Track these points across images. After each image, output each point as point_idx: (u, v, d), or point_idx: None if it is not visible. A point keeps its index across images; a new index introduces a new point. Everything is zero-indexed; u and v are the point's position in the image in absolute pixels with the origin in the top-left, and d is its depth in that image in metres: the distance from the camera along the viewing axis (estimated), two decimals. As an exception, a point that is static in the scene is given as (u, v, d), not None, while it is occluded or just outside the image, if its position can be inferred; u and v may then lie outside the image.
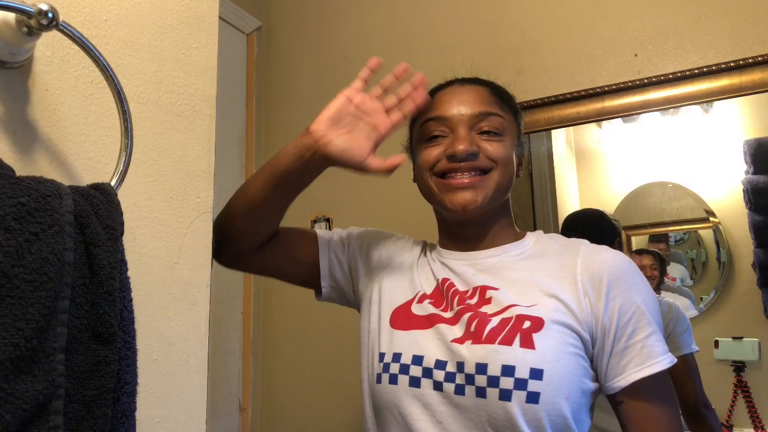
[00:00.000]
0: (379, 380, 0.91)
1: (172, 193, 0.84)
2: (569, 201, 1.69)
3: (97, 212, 0.63)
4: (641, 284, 0.88)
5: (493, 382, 0.81)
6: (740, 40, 1.47)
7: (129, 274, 0.68)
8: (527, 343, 0.82)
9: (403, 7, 1.93)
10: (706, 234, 1.53)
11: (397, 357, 0.90)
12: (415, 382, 0.87)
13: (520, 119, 1.03)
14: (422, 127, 0.99)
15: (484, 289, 0.92)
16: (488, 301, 0.90)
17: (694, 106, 1.52)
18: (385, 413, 0.90)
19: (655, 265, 1.54)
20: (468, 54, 1.78)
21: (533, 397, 0.79)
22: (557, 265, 0.91)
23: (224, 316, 1.88)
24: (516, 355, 0.82)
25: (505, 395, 0.80)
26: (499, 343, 0.83)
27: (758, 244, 1.45)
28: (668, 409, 0.85)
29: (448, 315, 0.91)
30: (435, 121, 0.97)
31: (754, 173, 1.46)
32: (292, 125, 2.07)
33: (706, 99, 1.49)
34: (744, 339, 1.38)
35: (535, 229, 1.07)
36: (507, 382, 0.80)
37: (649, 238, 1.60)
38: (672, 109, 1.55)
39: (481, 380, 0.82)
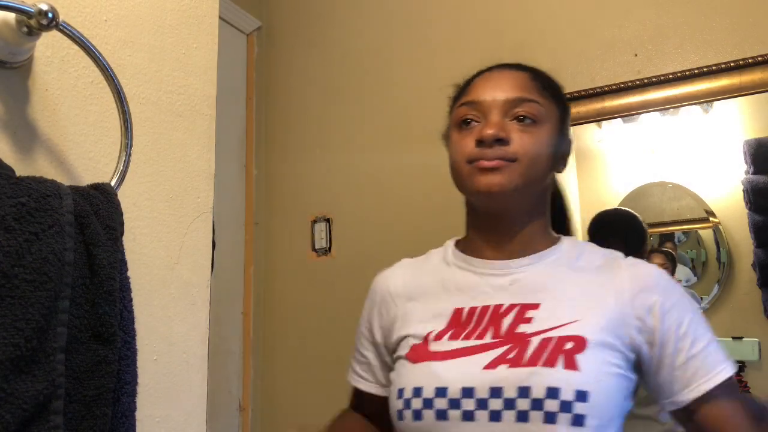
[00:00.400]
0: (401, 417, 0.86)
1: (172, 193, 0.84)
2: (569, 201, 1.69)
3: (97, 212, 0.63)
4: (686, 296, 0.89)
5: (537, 405, 0.78)
6: (740, 40, 1.47)
7: (129, 274, 0.68)
8: (571, 364, 0.80)
9: (403, 7, 1.93)
10: (706, 234, 1.53)
11: (417, 391, 0.85)
12: (441, 415, 0.82)
13: (565, 109, 0.98)
14: (455, 112, 0.96)
15: (523, 308, 0.87)
16: (527, 320, 0.86)
17: (694, 106, 1.51)
18: None
19: (667, 265, 1.54)
20: (468, 54, 1.77)
21: (579, 420, 0.77)
22: (600, 280, 0.88)
23: (224, 316, 1.88)
24: (560, 377, 0.79)
25: (550, 418, 0.77)
26: (542, 365, 0.80)
27: (758, 244, 1.44)
28: (744, 402, 0.85)
29: (473, 342, 0.86)
30: (467, 105, 0.93)
31: (754, 173, 1.46)
32: (292, 125, 2.07)
33: (706, 99, 1.49)
34: (744, 339, 1.38)
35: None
36: (552, 405, 0.78)
37: (659, 238, 1.60)
38: (672, 109, 1.55)
39: (523, 404, 0.79)
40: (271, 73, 2.13)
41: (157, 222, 0.81)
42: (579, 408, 0.78)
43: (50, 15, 0.61)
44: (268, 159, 2.08)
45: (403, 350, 0.92)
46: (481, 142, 0.88)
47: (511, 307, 0.88)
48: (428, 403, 0.83)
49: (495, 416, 0.80)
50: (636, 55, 1.58)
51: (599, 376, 0.81)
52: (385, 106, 1.91)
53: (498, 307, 0.88)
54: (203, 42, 0.91)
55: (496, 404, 0.80)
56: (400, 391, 0.87)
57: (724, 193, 1.51)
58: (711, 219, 1.52)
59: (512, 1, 1.77)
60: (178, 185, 0.85)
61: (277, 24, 2.15)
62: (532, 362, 0.81)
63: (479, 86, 0.95)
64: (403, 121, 1.88)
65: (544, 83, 0.96)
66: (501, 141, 0.87)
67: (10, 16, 0.62)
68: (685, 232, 1.57)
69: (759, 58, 1.43)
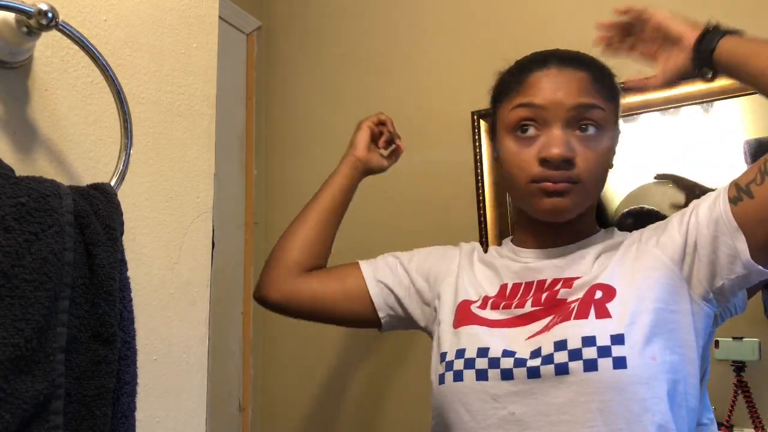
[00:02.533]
0: (442, 380, 0.86)
1: (172, 193, 0.84)
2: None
3: (97, 212, 0.63)
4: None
5: (576, 355, 0.77)
6: (740, 40, 1.47)
7: (129, 274, 0.68)
8: (602, 313, 0.80)
9: (404, 7, 1.93)
10: (706, 234, 1.53)
11: (460, 353, 0.85)
12: (482, 375, 0.82)
13: (619, 105, 0.96)
14: (511, 113, 0.91)
15: (566, 281, 0.88)
16: (569, 284, 0.87)
17: (694, 106, 1.51)
18: (450, 416, 0.84)
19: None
20: (468, 54, 1.78)
21: (620, 362, 0.76)
22: (623, 251, 0.90)
23: (224, 316, 1.88)
24: (594, 326, 0.78)
25: (591, 365, 0.76)
26: (575, 318, 0.80)
27: (758, 244, 1.45)
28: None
29: (514, 311, 0.88)
30: (526, 108, 0.89)
31: (754, 173, 1.46)
32: (292, 125, 2.07)
33: (706, 99, 1.49)
34: (744, 339, 1.38)
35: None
36: (590, 352, 0.77)
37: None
38: (672, 109, 1.55)
39: (561, 356, 0.78)
40: (271, 73, 2.13)
41: (157, 222, 0.81)
42: (617, 351, 0.76)
43: (50, 15, 0.61)
44: (268, 159, 2.08)
45: (444, 314, 0.95)
46: (545, 162, 0.85)
47: (555, 281, 0.88)
48: (470, 363, 0.83)
49: (533, 372, 0.79)
50: (636, 55, 1.58)
51: (634, 317, 0.79)
52: (385, 105, 1.91)
53: (542, 282, 0.90)
54: (203, 42, 0.91)
55: (533, 362, 0.80)
56: (443, 355, 0.88)
57: (724, 193, 1.51)
58: (711, 219, 1.52)
59: (512, 1, 1.77)
60: (178, 185, 0.85)
61: (277, 24, 2.15)
62: (566, 318, 0.81)
63: (538, 86, 0.89)
64: (403, 121, 1.87)
65: (605, 83, 0.92)
66: (567, 161, 0.85)
67: (10, 16, 0.62)
68: (685, 232, 1.57)
69: (759, 58, 1.43)
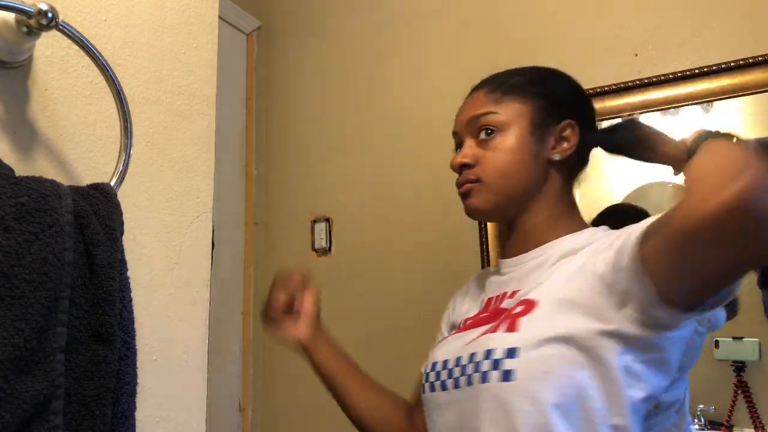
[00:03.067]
0: (423, 392, 0.94)
1: (172, 193, 0.84)
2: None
3: (96, 212, 0.63)
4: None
5: (477, 367, 0.82)
6: (740, 40, 1.47)
7: (129, 274, 0.68)
8: (512, 326, 0.81)
9: (403, 8, 1.93)
10: (706, 234, 1.53)
11: (433, 366, 0.93)
12: (431, 387, 0.90)
13: (549, 99, 0.96)
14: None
15: (514, 291, 0.91)
16: (512, 295, 0.91)
17: (694, 106, 1.51)
18: (427, 423, 0.93)
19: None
20: (467, 54, 1.78)
21: (507, 376, 0.77)
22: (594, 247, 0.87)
23: (224, 316, 1.88)
24: (496, 339, 0.82)
25: (485, 378, 0.80)
26: (490, 332, 0.85)
27: (758, 244, 1.45)
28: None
29: (471, 324, 0.94)
30: (454, 136, 1.02)
31: (755, 173, 1.46)
32: (292, 125, 2.07)
33: (706, 99, 1.49)
34: (744, 339, 1.38)
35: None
36: (486, 365, 0.80)
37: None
38: (672, 109, 1.55)
39: (470, 368, 0.83)
40: (271, 73, 2.13)
41: (157, 222, 0.81)
42: (508, 364, 0.77)
43: (50, 15, 0.61)
44: (268, 159, 2.08)
45: None
46: (455, 172, 0.98)
47: (514, 293, 0.91)
48: (427, 377, 0.92)
49: (456, 383, 0.86)
50: (636, 55, 1.58)
51: (540, 333, 0.78)
52: (385, 106, 1.91)
53: (504, 294, 0.94)
54: (203, 42, 0.91)
55: (457, 372, 0.86)
56: (424, 370, 0.96)
57: (724, 193, 1.51)
58: (711, 219, 1.52)
59: (512, 1, 1.77)
60: (178, 185, 0.85)
61: (277, 24, 2.15)
62: (489, 330, 0.85)
63: (457, 115, 1.03)
64: (403, 120, 1.88)
65: (507, 87, 0.97)
66: (466, 166, 0.96)
67: (10, 16, 0.62)
68: (685, 232, 1.57)
69: (759, 58, 1.43)
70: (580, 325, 0.78)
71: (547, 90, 0.99)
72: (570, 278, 0.83)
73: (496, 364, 0.79)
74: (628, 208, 1.60)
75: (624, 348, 0.77)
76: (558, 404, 0.76)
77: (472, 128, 0.97)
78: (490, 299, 0.96)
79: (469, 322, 0.97)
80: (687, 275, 0.73)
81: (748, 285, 1.45)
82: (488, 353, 0.81)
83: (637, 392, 0.78)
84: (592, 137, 1.00)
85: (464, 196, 0.97)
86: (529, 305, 0.83)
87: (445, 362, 0.89)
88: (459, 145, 1.01)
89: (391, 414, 1.07)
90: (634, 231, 0.78)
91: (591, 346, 0.77)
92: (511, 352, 0.78)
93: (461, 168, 0.96)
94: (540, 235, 0.93)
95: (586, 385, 0.77)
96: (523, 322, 0.81)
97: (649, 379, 0.79)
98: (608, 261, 0.79)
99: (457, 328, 1.00)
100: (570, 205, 0.98)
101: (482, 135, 0.96)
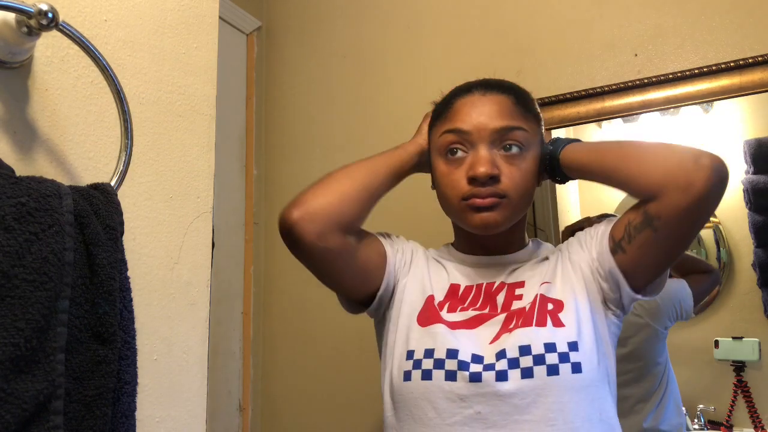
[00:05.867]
0: (408, 377, 0.90)
1: (172, 193, 0.84)
2: (569, 201, 1.69)
3: (97, 212, 0.63)
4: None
5: (539, 360, 0.85)
6: (740, 40, 1.47)
7: (129, 274, 0.68)
8: (557, 322, 0.88)
9: (403, 8, 1.93)
10: (706, 234, 1.53)
11: (429, 353, 0.89)
12: (451, 376, 0.86)
13: (542, 123, 1.01)
14: (441, 138, 0.96)
15: (511, 287, 0.96)
16: (519, 297, 0.94)
17: (694, 106, 1.51)
18: (414, 411, 0.88)
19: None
20: (468, 54, 1.78)
21: (577, 367, 0.84)
22: (553, 261, 0.99)
23: (224, 316, 1.88)
24: (553, 333, 0.86)
25: (553, 370, 0.84)
26: (535, 326, 0.87)
27: (758, 244, 1.44)
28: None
29: (473, 313, 0.94)
30: (453, 133, 0.94)
31: (754, 173, 1.46)
32: (292, 125, 2.07)
33: (706, 99, 1.49)
34: (744, 339, 1.38)
35: (535, 228, 1.07)
36: (552, 358, 0.84)
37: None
38: (672, 109, 1.55)
39: (526, 361, 0.85)
40: (271, 73, 2.13)
41: (157, 222, 0.81)
42: (574, 356, 0.85)
43: (50, 15, 0.61)
44: (268, 159, 2.08)
45: (407, 306, 0.97)
46: (473, 180, 0.91)
47: (502, 285, 0.97)
48: (439, 364, 0.88)
49: (501, 375, 0.85)
50: (636, 55, 1.58)
51: (581, 327, 0.89)
52: (385, 105, 1.91)
53: (490, 284, 0.97)
54: (203, 42, 0.91)
55: (501, 365, 0.86)
56: (410, 353, 0.91)
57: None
58: (711, 219, 1.52)
59: (512, 1, 1.77)
60: (178, 185, 0.85)
61: (277, 24, 2.15)
62: (527, 323, 0.88)
63: (463, 112, 0.95)
64: (403, 121, 1.88)
65: (526, 105, 0.98)
66: (493, 178, 0.90)
67: (10, 16, 0.62)
68: (685, 232, 1.57)
69: (759, 58, 1.43)
70: (595, 318, 0.91)
71: (539, 117, 1.02)
72: (572, 278, 0.94)
73: (564, 357, 0.85)
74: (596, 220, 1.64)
75: (612, 332, 0.94)
76: (609, 391, 0.89)
77: (496, 138, 0.92)
78: (470, 287, 0.98)
79: (458, 306, 0.95)
80: (661, 259, 0.90)
81: (748, 284, 1.45)
82: (551, 347, 0.85)
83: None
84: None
85: (484, 208, 0.91)
86: (558, 304, 0.91)
87: (477, 356, 0.87)
88: (462, 147, 0.93)
89: None
90: (596, 239, 0.95)
91: (604, 334, 0.92)
92: (572, 346, 0.86)
93: (489, 179, 0.90)
94: (512, 244, 1.01)
95: (611, 371, 0.91)
96: (565, 317, 0.89)
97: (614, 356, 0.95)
98: (589, 265, 0.95)
99: (424, 300, 0.96)
100: (525, 221, 1.05)
101: (513, 150, 0.92)
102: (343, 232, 0.95)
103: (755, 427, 1.33)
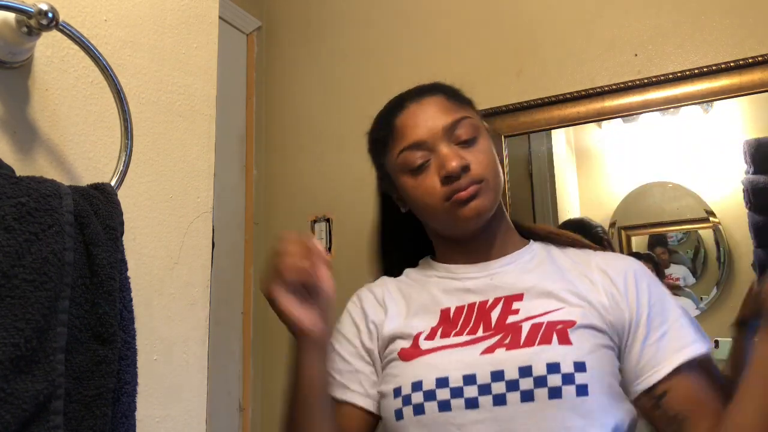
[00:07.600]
0: (400, 416, 0.84)
1: (172, 193, 0.84)
2: (569, 201, 1.69)
3: (97, 212, 0.63)
4: (656, 279, 0.92)
5: (541, 382, 0.79)
6: (740, 40, 1.47)
7: (129, 274, 0.68)
8: (565, 340, 0.82)
9: (403, 7, 1.93)
10: (706, 234, 1.53)
11: (417, 385, 0.84)
12: (444, 406, 0.81)
13: (477, 108, 1.02)
14: (399, 159, 0.95)
15: (508, 300, 0.90)
16: (515, 311, 0.88)
17: (694, 106, 1.51)
18: None
19: (651, 267, 1.54)
20: (468, 54, 1.77)
21: (582, 390, 0.78)
22: (575, 272, 0.92)
23: (224, 316, 1.88)
24: (557, 352, 0.81)
25: (555, 393, 0.78)
26: (539, 344, 0.82)
27: (758, 244, 1.44)
28: (720, 387, 0.84)
29: (466, 338, 0.87)
30: (412, 149, 0.93)
31: (754, 173, 1.46)
32: (292, 125, 2.07)
33: (706, 99, 1.49)
34: (744, 339, 1.38)
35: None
36: (555, 380, 0.79)
37: (648, 241, 1.60)
38: (672, 109, 1.55)
39: (526, 383, 0.79)
40: (271, 73, 2.13)
41: (157, 222, 0.81)
42: (580, 378, 0.79)
43: (50, 15, 0.61)
44: (268, 159, 2.08)
45: (392, 353, 0.90)
46: (448, 178, 0.89)
47: (497, 301, 0.90)
48: (430, 395, 0.82)
49: (499, 400, 0.80)
50: (636, 55, 1.58)
51: (592, 348, 0.82)
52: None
53: (484, 303, 0.91)
54: (203, 42, 0.91)
55: (498, 388, 0.80)
56: (397, 390, 0.86)
57: (724, 193, 1.51)
58: (711, 219, 1.52)
59: (513, 1, 1.77)
60: (178, 185, 0.85)
61: (277, 24, 2.15)
62: (529, 343, 0.82)
63: (409, 125, 0.95)
64: (403, 121, 1.87)
65: (457, 97, 0.99)
66: (464, 168, 0.90)
67: (10, 16, 0.62)
68: (685, 232, 1.56)
69: (759, 58, 1.43)
70: (604, 343, 0.85)
71: (471, 101, 1.01)
72: (590, 298, 0.87)
73: (567, 379, 0.79)
74: (586, 223, 1.62)
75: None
76: (625, 418, 0.82)
77: (450, 134, 0.92)
78: (461, 308, 0.91)
79: (452, 331, 0.88)
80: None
81: (748, 285, 1.45)
82: (554, 367, 0.79)
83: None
84: None
85: (470, 198, 0.89)
86: (567, 323, 0.84)
87: (469, 377, 0.82)
88: (422, 154, 0.92)
89: None
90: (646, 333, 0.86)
91: (612, 359, 0.85)
92: (579, 366, 0.80)
93: (462, 170, 0.89)
94: (505, 244, 0.97)
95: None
96: (573, 336, 0.82)
97: None
98: (623, 316, 0.87)
99: (411, 338, 0.89)
100: (508, 218, 1.01)
101: (464, 139, 0.92)
102: None
103: (755, 427, 1.32)
